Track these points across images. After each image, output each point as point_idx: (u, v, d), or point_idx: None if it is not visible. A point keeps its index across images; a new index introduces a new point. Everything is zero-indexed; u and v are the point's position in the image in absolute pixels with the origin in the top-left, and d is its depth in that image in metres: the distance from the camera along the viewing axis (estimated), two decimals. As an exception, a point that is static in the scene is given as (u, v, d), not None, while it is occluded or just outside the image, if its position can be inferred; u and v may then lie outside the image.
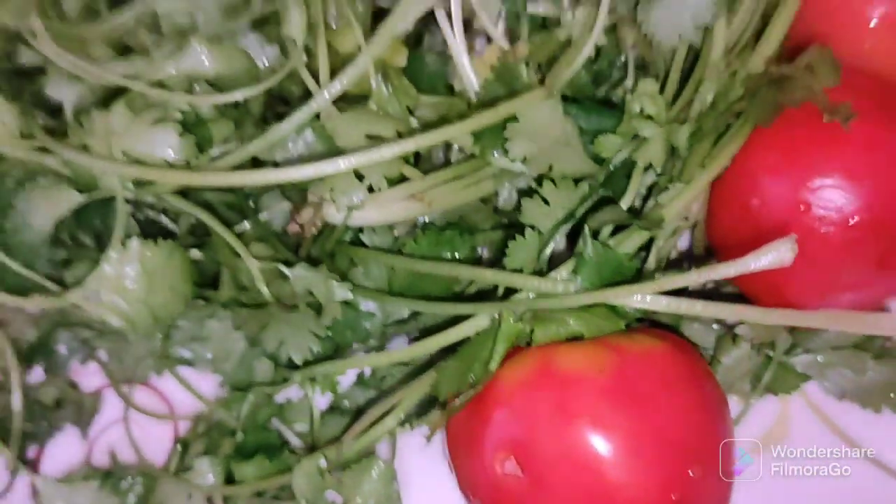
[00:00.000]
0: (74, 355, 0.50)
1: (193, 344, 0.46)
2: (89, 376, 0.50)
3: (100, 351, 0.49)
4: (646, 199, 0.43)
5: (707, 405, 0.38)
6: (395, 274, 0.45)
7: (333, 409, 0.46)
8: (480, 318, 0.40)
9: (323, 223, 0.45)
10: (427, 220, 0.47)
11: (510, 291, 0.43)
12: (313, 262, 0.44)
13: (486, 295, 0.46)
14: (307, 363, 0.44)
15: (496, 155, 0.44)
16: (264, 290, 0.42)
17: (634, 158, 0.41)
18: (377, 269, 0.46)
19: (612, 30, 0.46)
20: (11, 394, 0.46)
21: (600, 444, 0.34)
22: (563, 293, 0.39)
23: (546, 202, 0.41)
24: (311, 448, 0.45)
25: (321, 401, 0.47)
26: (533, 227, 0.41)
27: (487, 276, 0.41)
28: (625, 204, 0.41)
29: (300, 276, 0.42)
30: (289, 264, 0.43)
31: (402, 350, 0.42)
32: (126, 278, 0.40)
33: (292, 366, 0.44)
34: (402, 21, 0.42)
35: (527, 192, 0.42)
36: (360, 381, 0.47)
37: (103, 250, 0.44)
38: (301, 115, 0.42)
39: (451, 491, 0.43)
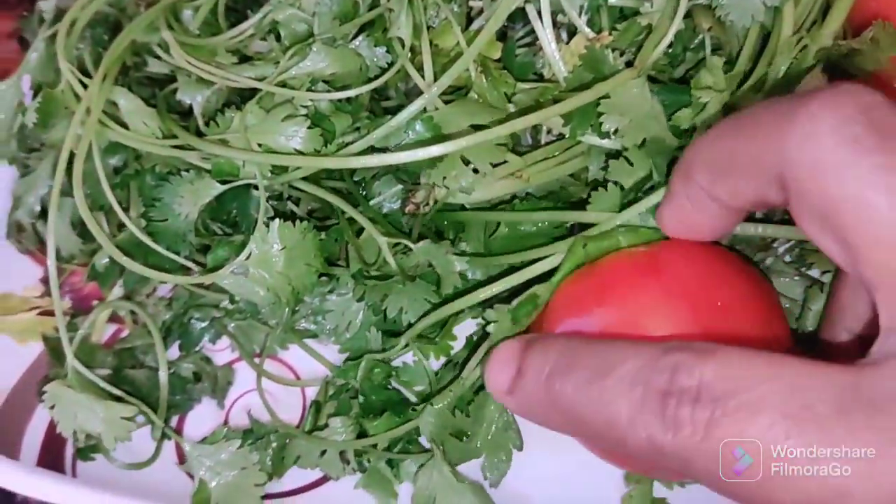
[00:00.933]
0: (206, 333, 0.55)
1: (317, 317, 0.51)
2: (220, 353, 0.55)
3: (230, 328, 0.54)
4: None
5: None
6: (495, 240, 0.50)
7: (448, 363, 0.51)
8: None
9: (434, 202, 0.49)
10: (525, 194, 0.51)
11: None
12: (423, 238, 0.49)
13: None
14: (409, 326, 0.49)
15: (586, 133, 0.49)
16: (391, 260, 0.46)
17: (695, 123, 0.46)
18: (477, 235, 0.50)
19: (686, 15, 0.51)
20: (158, 368, 0.52)
21: (633, 304, 0.39)
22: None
23: (630, 163, 0.45)
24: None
25: (435, 364, 0.51)
26: (616, 183, 0.45)
27: (590, 217, 0.45)
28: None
29: (423, 249, 0.46)
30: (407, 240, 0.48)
31: (480, 291, 0.46)
32: (270, 254, 0.45)
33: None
34: (499, 19, 0.47)
35: (614, 155, 0.47)
36: (469, 343, 0.52)
37: (238, 234, 0.50)
38: (415, 106, 0.46)
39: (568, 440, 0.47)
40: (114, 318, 0.56)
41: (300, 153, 0.46)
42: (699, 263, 0.40)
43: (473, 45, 0.48)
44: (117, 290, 0.55)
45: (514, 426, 0.48)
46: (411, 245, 0.47)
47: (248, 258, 0.45)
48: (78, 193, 0.47)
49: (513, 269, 0.47)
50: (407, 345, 0.49)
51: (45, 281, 0.57)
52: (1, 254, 0.57)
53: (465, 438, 0.47)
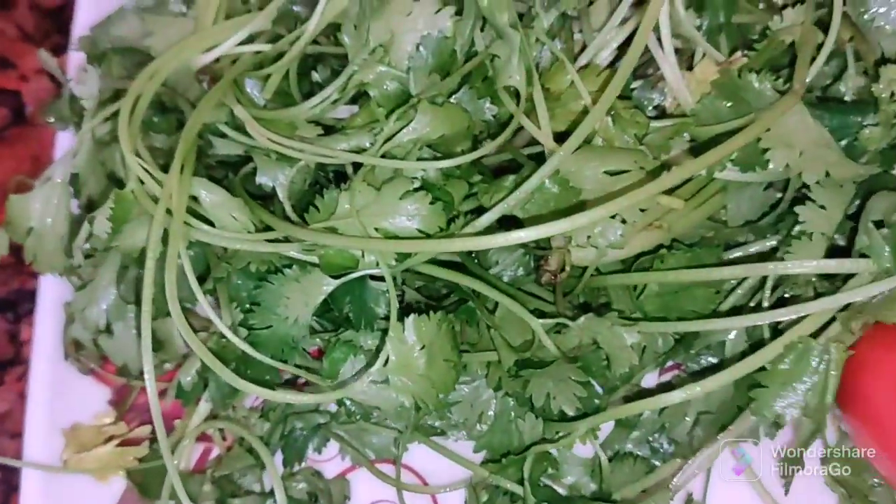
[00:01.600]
0: (309, 442, 0.48)
1: (442, 411, 0.45)
2: (328, 463, 0.48)
3: (341, 434, 0.47)
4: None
5: None
6: (646, 300, 0.44)
7: (614, 457, 0.45)
8: (806, 324, 0.39)
9: (572, 266, 0.43)
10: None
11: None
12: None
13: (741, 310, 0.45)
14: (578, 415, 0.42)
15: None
16: (550, 345, 0.40)
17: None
18: (624, 298, 0.44)
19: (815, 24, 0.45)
20: (266, 492, 0.45)
21: None
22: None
23: (823, 207, 0.40)
24: (599, 499, 0.43)
25: (583, 450, 0.45)
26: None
27: (787, 268, 0.39)
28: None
29: (584, 325, 0.40)
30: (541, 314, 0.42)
31: (684, 389, 0.40)
32: (411, 357, 0.39)
33: (566, 418, 0.42)
34: (632, 59, 0.41)
35: (798, 200, 0.41)
36: (620, 423, 0.45)
37: (346, 331, 0.43)
38: (546, 170, 0.40)
39: None
40: (199, 438, 0.49)
41: (425, 233, 0.40)
42: None
43: (608, 93, 0.41)
44: (205, 406, 0.48)
45: None
46: (569, 323, 0.40)
47: (385, 364, 0.38)
48: (175, 308, 0.40)
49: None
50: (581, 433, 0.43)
51: (114, 403, 0.50)
52: (60, 377, 0.49)
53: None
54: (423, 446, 0.47)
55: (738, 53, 0.45)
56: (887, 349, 0.38)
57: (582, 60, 0.46)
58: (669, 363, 0.47)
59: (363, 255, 0.40)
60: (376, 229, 0.40)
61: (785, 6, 0.46)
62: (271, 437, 0.48)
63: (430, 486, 0.46)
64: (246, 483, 0.47)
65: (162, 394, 0.47)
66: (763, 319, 0.40)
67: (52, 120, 0.53)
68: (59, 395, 0.49)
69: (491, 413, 0.45)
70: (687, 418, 0.44)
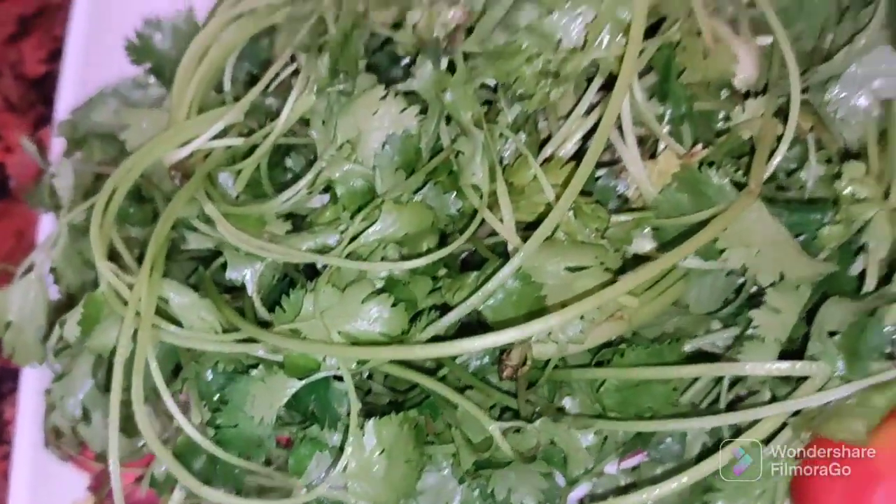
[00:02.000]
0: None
1: (408, 500, 0.45)
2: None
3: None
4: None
5: None
6: (605, 394, 0.44)
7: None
8: (759, 429, 0.39)
9: (533, 360, 0.44)
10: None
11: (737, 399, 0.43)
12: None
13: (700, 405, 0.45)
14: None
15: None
16: (506, 447, 0.41)
17: (865, 242, 0.41)
18: (584, 391, 0.45)
19: (776, 115, 0.46)
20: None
21: None
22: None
23: (777, 311, 0.40)
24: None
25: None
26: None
27: (745, 369, 0.40)
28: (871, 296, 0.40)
29: (541, 428, 0.41)
30: (510, 411, 0.43)
31: (646, 490, 0.41)
32: (370, 462, 0.39)
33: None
34: (596, 153, 0.41)
35: (753, 304, 0.41)
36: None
37: (312, 427, 0.44)
38: (508, 270, 0.41)
39: None
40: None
41: (387, 336, 0.40)
42: None
43: (569, 191, 0.41)
44: (179, 493, 0.48)
45: None
46: (526, 426, 0.41)
47: (345, 469, 0.39)
48: (139, 410, 0.41)
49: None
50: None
51: (93, 489, 0.51)
52: (41, 464, 0.50)
53: None
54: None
55: (699, 146, 0.45)
56: (823, 458, 0.39)
57: (546, 151, 0.47)
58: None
59: (324, 359, 0.41)
60: (339, 332, 0.41)
61: (748, 94, 0.46)
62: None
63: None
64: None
65: (141, 479, 0.49)
66: (716, 422, 0.40)
67: (32, 204, 0.54)
68: (41, 482, 0.50)
69: (456, 502, 0.45)
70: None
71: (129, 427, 0.46)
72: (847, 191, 0.41)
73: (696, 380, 0.45)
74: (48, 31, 0.72)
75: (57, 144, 0.57)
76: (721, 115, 0.47)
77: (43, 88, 0.69)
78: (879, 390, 0.37)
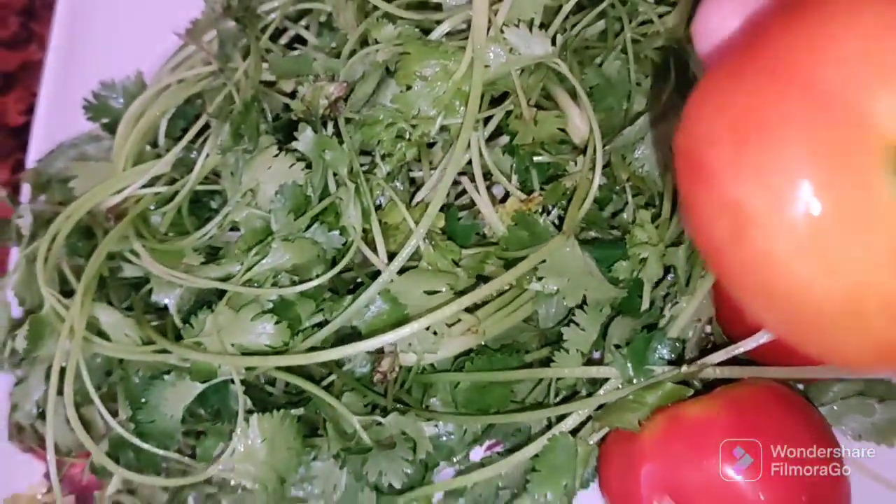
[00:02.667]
0: (203, 511, 0.58)
1: (303, 484, 0.55)
2: (218, 527, 0.59)
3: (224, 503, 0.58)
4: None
5: (813, 420, 0.47)
6: (458, 393, 0.54)
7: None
8: (569, 421, 0.49)
9: (400, 367, 0.54)
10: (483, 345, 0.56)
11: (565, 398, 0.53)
12: (397, 399, 0.54)
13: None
14: (405, 487, 0.53)
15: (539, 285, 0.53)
16: (365, 437, 0.50)
17: (641, 278, 0.51)
18: (444, 390, 0.55)
19: (607, 165, 0.56)
20: (160, 555, 0.55)
21: (732, 471, 0.43)
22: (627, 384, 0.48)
23: (581, 328, 0.50)
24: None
25: (420, 516, 0.55)
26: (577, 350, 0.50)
27: (563, 373, 0.50)
28: (645, 315, 0.50)
29: (393, 421, 0.50)
30: (379, 408, 0.53)
31: (491, 467, 0.51)
32: (254, 448, 0.49)
33: (395, 491, 0.53)
34: (440, 198, 0.52)
35: (565, 324, 0.51)
36: (448, 494, 0.55)
37: (224, 422, 0.54)
38: (373, 290, 0.51)
39: None
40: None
41: (271, 348, 0.50)
42: (783, 417, 0.45)
43: (420, 225, 0.52)
44: (117, 479, 0.58)
45: None
46: (382, 420, 0.51)
47: (232, 454, 0.49)
48: (70, 410, 0.51)
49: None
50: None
51: (48, 476, 0.61)
52: (4, 455, 0.60)
53: None
54: (292, 514, 0.57)
55: (536, 192, 0.55)
56: (616, 441, 0.48)
57: (419, 197, 0.57)
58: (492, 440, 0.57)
59: (219, 366, 0.51)
60: (232, 344, 0.51)
61: (586, 148, 0.57)
62: (171, 504, 0.58)
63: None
64: (149, 543, 0.58)
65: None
66: (534, 417, 0.50)
67: (4, 240, 0.65)
68: (3, 468, 0.60)
69: (342, 485, 0.55)
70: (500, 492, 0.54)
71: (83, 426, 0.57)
72: (637, 233, 0.51)
73: (539, 383, 0.55)
74: (28, 87, 0.83)
75: (26, 189, 0.67)
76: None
77: (22, 137, 0.79)
78: (651, 389, 0.47)
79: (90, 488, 0.60)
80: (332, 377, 0.55)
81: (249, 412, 0.50)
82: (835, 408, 0.52)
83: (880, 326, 0.23)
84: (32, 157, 0.68)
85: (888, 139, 0.23)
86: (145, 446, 0.52)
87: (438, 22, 0.54)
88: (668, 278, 0.53)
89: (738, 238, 0.25)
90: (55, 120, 0.70)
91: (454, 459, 0.55)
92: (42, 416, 0.59)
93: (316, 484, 0.55)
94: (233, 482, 0.55)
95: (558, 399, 0.53)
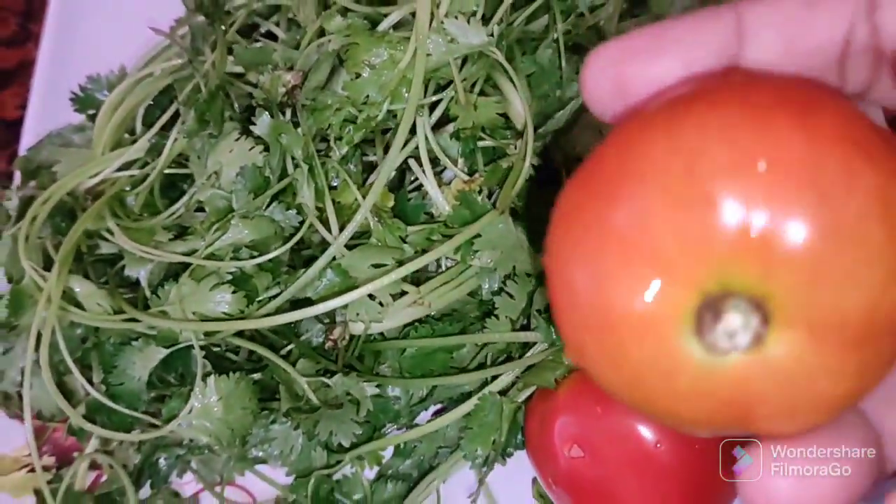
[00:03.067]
0: (173, 470, 0.63)
1: (264, 445, 0.59)
2: (188, 485, 0.63)
3: (192, 463, 0.62)
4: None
5: None
6: (404, 360, 0.58)
7: (380, 477, 0.59)
8: (499, 382, 0.53)
9: (350, 335, 0.58)
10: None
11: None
12: (348, 365, 0.58)
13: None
14: (354, 445, 0.57)
15: (474, 259, 0.57)
16: (313, 398, 0.55)
17: None
18: (392, 358, 0.59)
19: (543, 150, 0.60)
20: (132, 508, 0.60)
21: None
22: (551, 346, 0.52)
23: (511, 297, 0.54)
24: (370, 512, 0.58)
25: (370, 473, 0.59)
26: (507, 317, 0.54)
27: (495, 337, 0.54)
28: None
29: (338, 382, 0.55)
30: (330, 373, 0.57)
31: (430, 423, 0.55)
32: (210, 406, 0.54)
33: (343, 449, 0.57)
34: (384, 176, 0.56)
35: (497, 293, 0.55)
36: (397, 451, 0.59)
37: (187, 385, 0.58)
38: (322, 261, 0.55)
39: None
40: (94, 466, 0.64)
41: (228, 316, 0.55)
42: None
43: (367, 200, 0.56)
44: (94, 442, 0.63)
45: None
46: (328, 382, 0.55)
47: (191, 412, 0.54)
48: (46, 373, 0.56)
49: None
50: (349, 459, 0.57)
51: (32, 440, 0.66)
52: (-8, 421, 0.65)
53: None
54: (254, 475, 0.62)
55: (478, 174, 0.59)
56: (538, 399, 0.52)
57: (371, 178, 0.62)
58: (438, 406, 0.61)
59: (181, 332, 0.55)
60: (193, 312, 0.55)
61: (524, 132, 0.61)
62: (143, 465, 0.63)
63: (248, 502, 0.61)
64: (123, 501, 0.62)
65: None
66: (470, 378, 0.54)
67: (-5, 223, 0.70)
68: (-9, 434, 0.65)
69: (299, 445, 0.59)
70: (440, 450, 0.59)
71: (62, 389, 0.62)
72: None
73: (479, 351, 0.60)
74: (25, 83, 0.88)
75: (17, 176, 0.72)
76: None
77: (18, 130, 0.84)
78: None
79: (71, 450, 0.65)
80: (290, 347, 0.60)
81: (209, 374, 0.55)
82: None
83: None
84: (24, 146, 0.73)
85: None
86: (117, 407, 0.56)
87: (386, 15, 0.58)
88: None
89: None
90: (46, 113, 0.75)
91: (401, 422, 0.59)
92: (26, 383, 0.64)
93: (275, 445, 0.59)
94: (199, 442, 0.60)
95: (493, 364, 0.57)
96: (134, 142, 0.66)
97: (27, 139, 0.74)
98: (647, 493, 0.46)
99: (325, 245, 0.60)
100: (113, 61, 0.74)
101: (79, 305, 0.58)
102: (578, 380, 0.49)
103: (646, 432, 0.46)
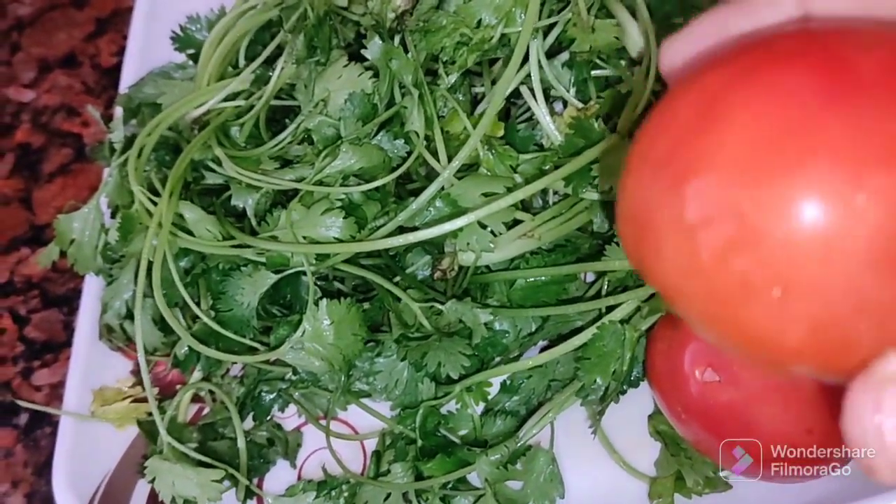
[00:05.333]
0: (275, 403, 0.62)
1: (368, 379, 0.58)
2: (289, 419, 0.63)
3: (295, 396, 0.62)
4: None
5: None
6: (514, 292, 0.57)
7: (486, 412, 0.57)
8: (619, 311, 0.52)
9: (459, 267, 0.56)
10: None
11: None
12: (455, 299, 0.57)
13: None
14: (461, 377, 0.55)
15: (587, 190, 0.55)
16: (425, 322, 0.53)
17: None
18: (500, 290, 0.57)
19: (659, 79, 0.58)
20: (237, 438, 0.59)
21: None
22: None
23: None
24: (477, 446, 0.56)
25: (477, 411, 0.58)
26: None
27: (615, 265, 0.53)
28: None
29: (451, 308, 0.53)
30: (438, 302, 0.56)
31: (542, 354, 0.54)
32: (322, 329, 0.53)
33: (451, 381, 0.56)
34: (497, 103, 0.54)
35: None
36: (504, 388, 0.58)
37: (294, 314, 0.57)
38: (432, 189, 0.54)
39: (599, 467, 0.55)
40: (196, 399, 0.64)
41: (338, 240, 0.54)
42: None
43: (478, 129, 0.55)
44: (197, 375, 0.63)
45: (559, 477, 0.55)
46: (440, 307, 0.54)
47: (303, 335, 0.53)
48: (158, 295, 0.55)
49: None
50: (458, 392, 0.56)
51: (135, 373, 0.66)
52: (95, 353, 0.65)
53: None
54: (358, 408, 0.61)
55: (592, 101, 0.57)
56: (663, 326, 0.50)
57: (480, 108, 0.60)
58: (545, 342, 0.59)
59: (292, 256, 0.55)
60: (304, 237, 0.55)
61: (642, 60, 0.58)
62: (246, 398, 0.63)
63: (353, 434, 0.60)
64: (227, 432, 0.62)
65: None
66: (586, 307, 0.52)
67: (98, 159, 0.70)
68: (93, 366, 0.65)
69: (404, 378, 0.58)
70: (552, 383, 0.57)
71: (164, 326, 0.62)
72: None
73: (592, 284, 0.58)
74: (119, 30, 0.89)
75: (118, 114, 0.73)
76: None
77: (114, 76, 0.84)
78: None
79: (172, 384, 0.65)
80: (397, 279, 0.58)
81: (320, 300, 0.54)
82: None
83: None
84: (123, 87, 0.73)
85: None
86: (226, 333, 0.56)
87: (500, -64, 0.56)
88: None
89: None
90: (145, 56, 0.75)
91: (510, 357, 0.58)
92: (130, 316, 0.64)
93: (379, 378, 0.58)
94: (304, 375, 0.59)
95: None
96: (237, 74, 0.65)
97: (126, 80, 0.74)
98: (789, 421, 0.43)
99: (431, 177, 0.59)
100: (209, 2, 0.74)
101: (188, 232, 0.58)
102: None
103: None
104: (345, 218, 0.54)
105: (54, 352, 0.76)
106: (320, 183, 0.56)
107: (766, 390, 0.44)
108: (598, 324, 0.52)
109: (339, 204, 0.55)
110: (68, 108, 0.89)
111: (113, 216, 0.66)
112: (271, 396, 0.63)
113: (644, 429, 0.55)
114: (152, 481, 0.55)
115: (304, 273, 0.55)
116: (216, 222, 0.58)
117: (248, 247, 0.56)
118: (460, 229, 0.54)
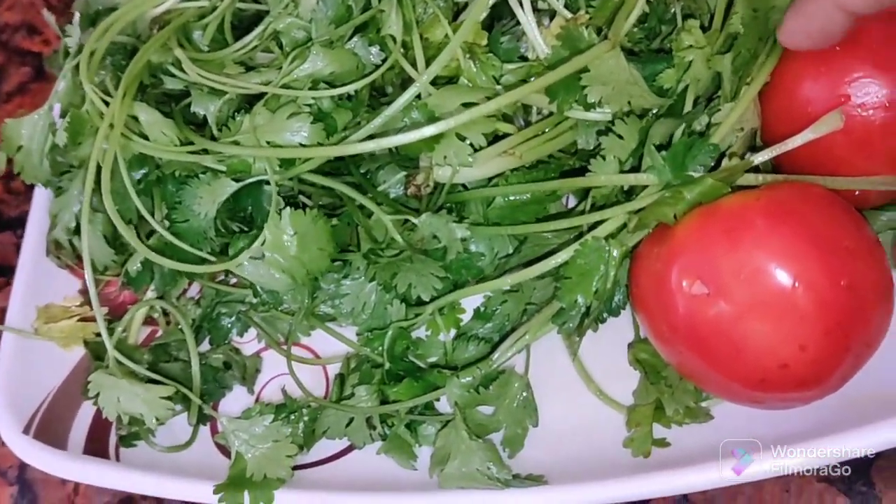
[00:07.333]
0: (234, 327, 0.59)
1: (334, 301, 0.55)
2: (248, 344, 0.59)
3: (255, 320, 0.58)
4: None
5: (851, 213, 0.44)
6: (492, 211, 0.53)
7: (458, 337, 0.54)
8: (604, 228, 0.49)
9: (434, 184, 0.53)
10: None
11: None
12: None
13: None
14: (433, 299, 0.52)
15: (573, 108, 0.52)
16: (397, 237, 0.50)
17: (685, 80, 0.49)
18: (477, 209, 0.54)
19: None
20: (190, 360, 0.55)
21: (765, 253, 0.42)
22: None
23: (620, 137, 0.49)
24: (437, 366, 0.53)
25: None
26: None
27: (601, 180, 0.49)
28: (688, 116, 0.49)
29: (425, 221, 0.50)
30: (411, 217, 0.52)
31: (517, 273, 0.50)
32: (284, 240, 0.49)
33: (422, 303, 0.52)
34: (481, 6, 0.50)
35: (603, 132, 0.50)
36: (477, 314, 0.55)
37: (255, 229, 0.53)
38: (407, 95, 0.50)
39: (575, 397, 0.52)
40: (148, 322, 0.60)
41: (305, 146, 0.50)
42: (823, 209, 0.44)
43: (459, 32, 0.51)
44: (150, 295, 0.59)
45: (533, 404, 0.53)
46: (414, 220, 0.50)
47: (263, 243, 0.49)
48: (108, 202, 0.51)
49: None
50: (430, 314, 0.52)
51: (83, 292, 0.62)
52: (42, 270, 0.61)
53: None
54: (322, 332, 0.57)
55: (582, 11, 0.54)
56: (649, 243, 0.47)
57: (462, 17, 0.56)
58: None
59: (254, 162, 0.51)
60: (267, 142, 0.51)
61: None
62: (203, 321, 0.59)
63: (315, 359, 0.57)
64: (181, 355, 0.58)
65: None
66: (567, 224, 0.49)
67: (54, 69, 0.65)
68: (39, 284, 0.61)
69: (372, 302, 0.55)
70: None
71: (116, 244, 0.58)
72: (684, 41, 0.49)
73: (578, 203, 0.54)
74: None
75: (75, 20, 0.68)
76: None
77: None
78: (689, 186, 0.45)
79: (123, 305, 0.61)
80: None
81: (283, 209, 0.50)
82: (881, 238, 0.50)
83: None
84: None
85: None
86: (182, 245, 0.52)
87: None
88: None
89: None
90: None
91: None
92: (79, 231, 0.59)
93: (346, 301, 0.54)
94: (264, 297, 0.56)
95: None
96: (202, -24, 0.61)
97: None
98: (782, 337, 0.41)
99: (408, 87, 0.55)
100: None
101: (143, 137, 0.54)
102: (702, 215, 0.44)
103: (782, 270, 0.40)
104: (313, 123, 0.50)
105: (6, 276, 0.71)
106: (288, 87, 0.52)
107: (758, 304, 0.41)
108: (581, 240, 0.48)
109: (306, 109, 0.51)
110: (29, 25, 0.84)
111: (62, 116, 0.62)
112: (230, 319, 0.59)
113: (623, 360, 0.53)
114: (95, 397, 0.51)
115: (267, 182, 0.51)
116: (173, 126, 0.53)
117: (207, 153, 0.52)
118: (438, 139, 0.50)
